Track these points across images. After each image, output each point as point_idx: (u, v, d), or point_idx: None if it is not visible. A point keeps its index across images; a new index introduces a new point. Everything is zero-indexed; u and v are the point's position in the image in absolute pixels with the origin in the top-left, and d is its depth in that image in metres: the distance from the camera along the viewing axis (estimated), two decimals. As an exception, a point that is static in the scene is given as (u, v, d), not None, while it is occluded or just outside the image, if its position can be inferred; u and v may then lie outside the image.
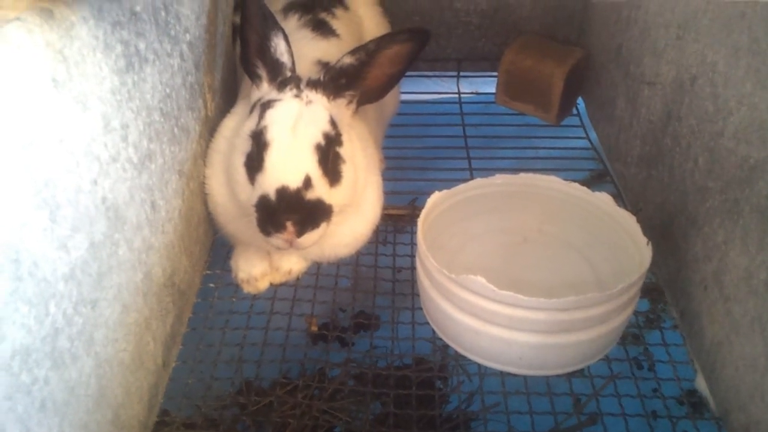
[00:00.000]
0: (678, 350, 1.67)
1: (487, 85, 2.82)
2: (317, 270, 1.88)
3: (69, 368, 1.06)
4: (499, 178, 1.85)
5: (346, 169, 1.57)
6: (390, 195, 1.94)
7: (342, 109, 1.64)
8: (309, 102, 1.56)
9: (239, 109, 1.77)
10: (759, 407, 1.35)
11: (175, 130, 1.55)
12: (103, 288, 1.17)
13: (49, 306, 1.00)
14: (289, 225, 1.45)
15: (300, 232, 1.46)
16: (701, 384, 1.59)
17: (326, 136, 1.52)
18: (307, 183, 1.47)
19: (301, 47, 1.80)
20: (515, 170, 1.88)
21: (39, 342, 0.98)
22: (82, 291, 1.10)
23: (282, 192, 1.46)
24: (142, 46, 1.34)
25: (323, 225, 1.51)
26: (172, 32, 1.52)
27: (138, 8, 1.32)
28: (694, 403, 1.60)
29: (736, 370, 1.44)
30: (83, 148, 1.11)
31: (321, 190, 1.50)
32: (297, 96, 1.56)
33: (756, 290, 1.36)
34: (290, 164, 1.48)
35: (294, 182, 1.46)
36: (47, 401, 1.00)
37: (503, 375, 1.58)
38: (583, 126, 2.59)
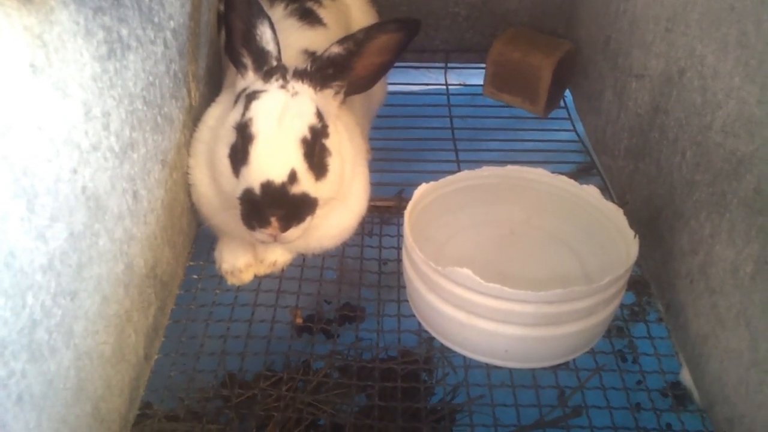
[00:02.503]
0: (663, 343, 1.67)
1: (474, 76, 2.81)
2: (302, 262, 1.87)
3: (47, 361, 1.04)
4: (486, 171, 1.84)
5: (333, 162, 1.56)
6: (376, 186, 1.92)
7: (329, 99, 1.62)
8: (295, 93, 1.54)
9: (224, 98, 1.74)
10: (743, 400, 1.35)
11: (158, 118, 1.52)
12: (82, 279, 1.15)
13: (27, 297, 0.98)
14: (274, 220, 1.44)
15: (284, 227, 1.45)
16: (686, 376, 1.60)
17: (312, 129, 1.51)
18: (293, 177, 1.46)
19: (288, 36, 1.78)
20: (502, 162, 1.87)
21: (15, 334, 0.95)
22: (61, 282, 1.08)
23: (267, 186, 1.44)
24: (124, 32, 1.32)
25: (308, 219, 1.49)
26: (156, 19, 1.49)
27: (120, -7, 1.29)
28: (679, 395, 1.60)
29: (721, 363, 1.44)
30: (63, 136, 1.08)
31: (306, 184, 1.48)
32: (283, 87, 1.54)
33: (742, 283, 1.37)
34: (275, 158, 1.46)
35: (279, 176, 1.45)
36: (24, 394, 0.98)
37: (488, 367, 1.58)
38: (570, 118, 2.59)
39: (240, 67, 1.62)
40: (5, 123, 0.92)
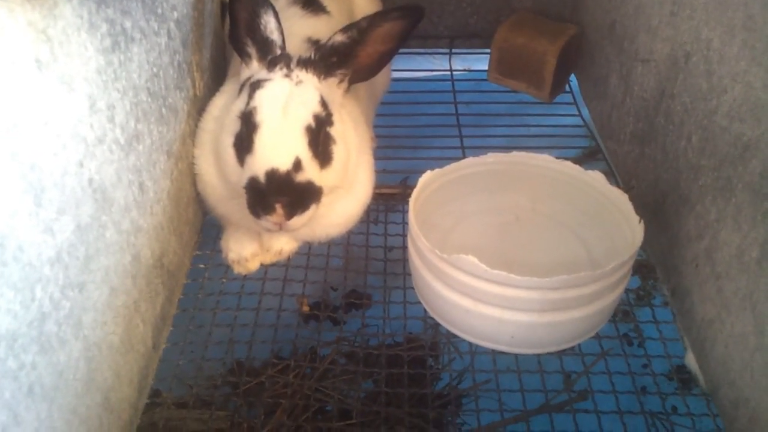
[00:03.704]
0: (668, 327, 1.68)
1: (479, 62, 2.80)
2: (308, 250, 1.87)
3: (57, 352, 1.06)
4: (491, 157, 1.84)
5: (337, 150, 1.56)
6: (381, 174, 1.93)
7: (333, 88, 1.62)
8: (299, 82, 1.54)
9: (228, 88, 1.74)
10: (748, 384, 1.36)
11: (163, 110, 1.53)
12: (90, 271, 1.16)
13: (36, 290, 0.99)
14: (279, 207, 1.44)
15: (289, 215, 1.46)
16: (691, 360, 1.61)
17: (316, 118, 1.51)
18: (297, 165, 1.46)
19: (291, 25, 1.77)
20: (507, 148, 1.87)
21: (25, 327, 0.97)
22: (69, 274, 1.09)
23: (271, 174, 1.44)
24: (128, 24, 1.32)
25: (313, 207, 1.50)
26: (159, 10, 1.49)
27: (123, -15, 1.29)
28: (684, 379, 1.61)
29: (726, 347, 1.44)
30: (69, 129, 1.09)
31: (311, 172, 1.48)
32: (287, 76, 1.54)
33: (747, 268, 1.37)
34: (280, 146, 1.47)
35: (284, 165, 1.45)
36: (35, 386, 0.99)
37: (494, 353, 1.59)
38: (575, 103, 2.58)
39: (244, 56, 1.61)
40: (12, 119, 0.93)
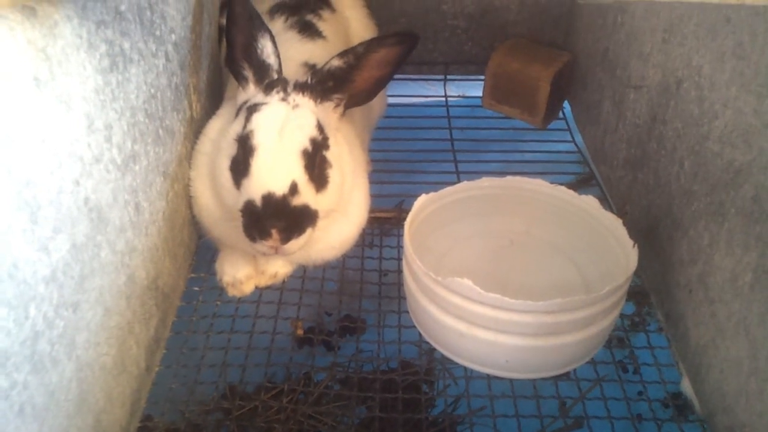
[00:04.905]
0: (663, 353, 1.67)
1: (473, 88, 2.83)
2: (303, 273, 1.87)
3: (49, 372, 1.04)
4: (486, 181, 1.85)
5: (333, 174, 1.56)
6: (376, 198, 1.93)
7: (329, 112, 1.63)
8: (296, 106, 1.55)
9: (225, 111, 1.75)
10: (743, 409, 1.35)
11: (160, 131, 1.53)
12: (84, 291, 1.16)
13: (29, 309, 0.98)
14: (275, 232, 1.44)
15: (285, 239, 1.45)
16: (686, 386, 1.60)
17: (313, 141, 1.51)
18: (293, 189, 1.46)
19: (288, 49, 1.79)
20: (502, 173, 1.88)
21: (18, 345, 0.96)
22: (64, 293, 1.08)
23: (268, 198, 1.45)
24: (126, 45, 1.33)
25: (309, 231, 1.50)
26: (158, 32, 1.50)
27: (123, 7, 1.30)
28: (679, 405, 1.60)
29: (721, 373, 1.44)
30: (66, 148, 1.09)
31: (307, 196, 1.49)
32: (284, 99, 1.55)
33: (741, 292, 1.37)
34: (276, 170, 1.47)
35: (280, 188, 1.45)
36: (26, 406, 0.98)
37: (489, 378, 1.58)
38: (569, 129, 2.60)
39: (241, 79, 1.63)
40: (9, 136, 0.93)
